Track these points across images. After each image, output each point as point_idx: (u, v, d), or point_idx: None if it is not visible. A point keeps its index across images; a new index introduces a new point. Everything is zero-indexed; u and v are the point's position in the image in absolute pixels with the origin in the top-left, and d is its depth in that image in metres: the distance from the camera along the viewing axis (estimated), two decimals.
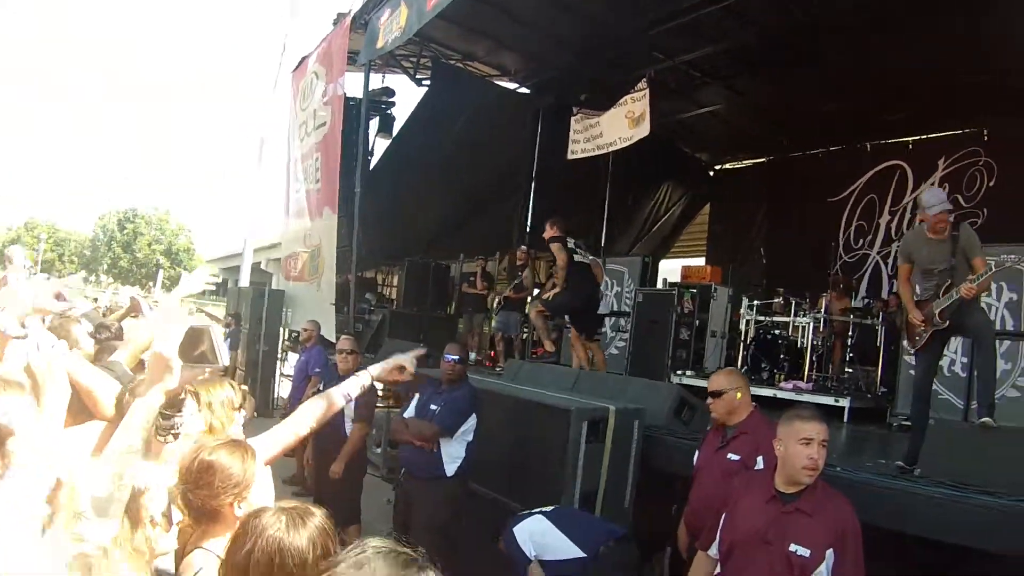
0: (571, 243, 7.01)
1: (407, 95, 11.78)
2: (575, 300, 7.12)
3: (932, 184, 10.12)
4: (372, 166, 11.30)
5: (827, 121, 11.07)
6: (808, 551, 2.61)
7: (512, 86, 12.50)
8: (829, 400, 6.95)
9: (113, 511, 1.59)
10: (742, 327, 8.95)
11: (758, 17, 8.70)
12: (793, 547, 2.63)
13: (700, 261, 13.73)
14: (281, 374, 11.91)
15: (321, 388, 5.40)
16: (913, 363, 5.46)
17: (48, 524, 1.62)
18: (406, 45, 9.92)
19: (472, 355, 8.97)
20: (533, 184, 12.61)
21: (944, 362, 6.09)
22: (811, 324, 8.10)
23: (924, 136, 10.83)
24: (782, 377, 7.98)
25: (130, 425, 1.67)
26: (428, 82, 11.71)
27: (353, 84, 10.55)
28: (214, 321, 8.07)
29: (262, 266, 27.06)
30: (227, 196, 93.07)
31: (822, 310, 8.24)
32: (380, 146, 11.75)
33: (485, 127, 11.45)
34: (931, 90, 9.35)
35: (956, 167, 10.24)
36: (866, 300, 9.02)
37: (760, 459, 3.36)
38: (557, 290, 7.08)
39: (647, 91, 9.48)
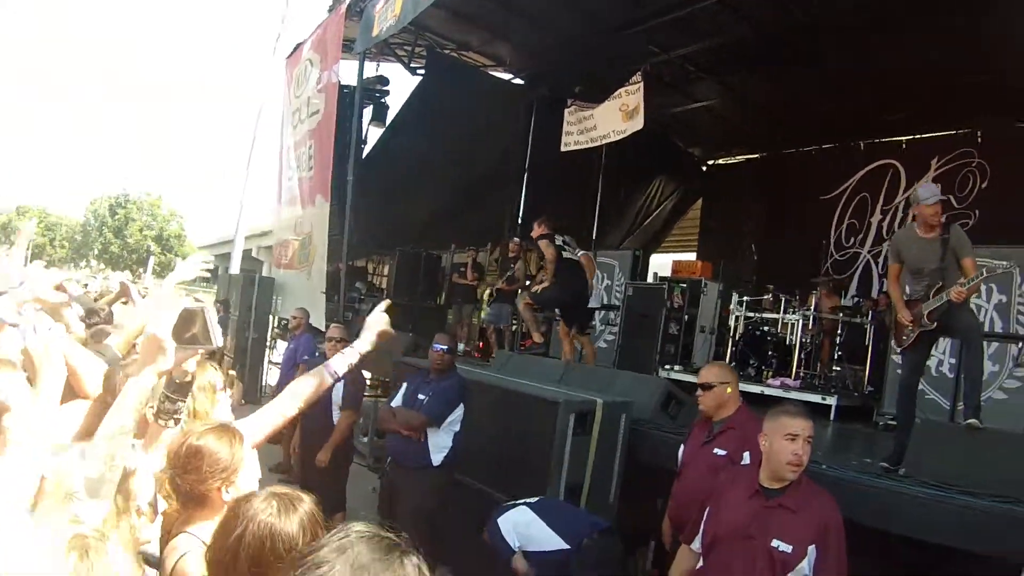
0: (559, 240, 7.00)
1: (401, 84, 11.74)
2: (564, 294, 7.12)
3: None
4: (365, 154, 11.27)
5: (822, 119, 11.09)
6: (790, 547, 2.62)
7: (506, 77, 12.46)
8: (816, 398, 6.96)
9: (105, 492, 1.58)
10: (731, 323, 8.99)
11: (753, 12, 8.72)
12: (775, 542, 2.64)
13: (691, 256, 13.76)
14: (270, 362, 11.88)
15: None
16: (900, 363, 5.49)
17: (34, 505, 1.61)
18: (401, 33, 9.87)
19: (460, 346, 8.97)
20: (526, 176, 12.57)
21: (931, 363, 6.14)
22: (800, 321, 8.11)
23: (917, 136, 10.86)
24: (770, 374, 8.01)
25: (123, 405, 1.66)
26: (422, 71, 11.65)
27: (347, 72, 10.52)
28: None
29: (253, 253, 27.00)
30: (224, 191, 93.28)
31: (812, 308, 8.26)
32: (373, 134, 11.70)
33: (479, 117, 11.39)
34: (929, 90, 9.37)
35: (949, 168, 10.29)
36: (856, 299, 9.06)
37: (746, 454, 3.37)
38: (545, 284, 7.07)
39: (641, 84, 9.49)
